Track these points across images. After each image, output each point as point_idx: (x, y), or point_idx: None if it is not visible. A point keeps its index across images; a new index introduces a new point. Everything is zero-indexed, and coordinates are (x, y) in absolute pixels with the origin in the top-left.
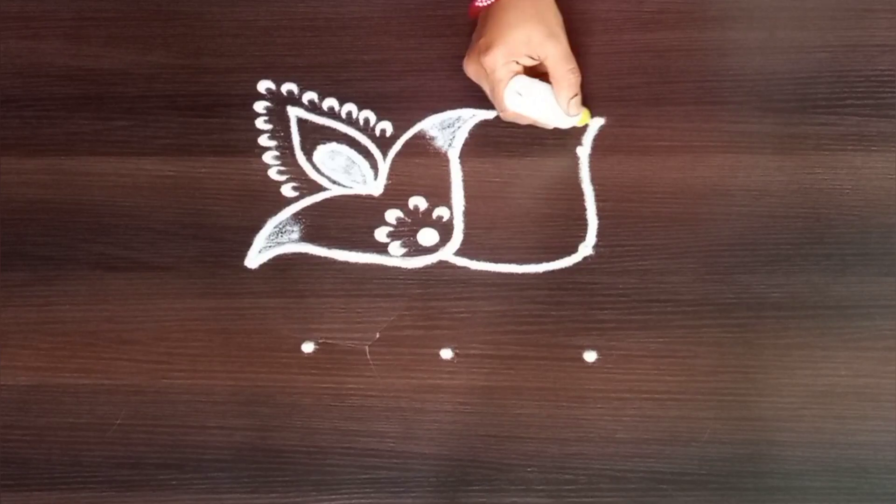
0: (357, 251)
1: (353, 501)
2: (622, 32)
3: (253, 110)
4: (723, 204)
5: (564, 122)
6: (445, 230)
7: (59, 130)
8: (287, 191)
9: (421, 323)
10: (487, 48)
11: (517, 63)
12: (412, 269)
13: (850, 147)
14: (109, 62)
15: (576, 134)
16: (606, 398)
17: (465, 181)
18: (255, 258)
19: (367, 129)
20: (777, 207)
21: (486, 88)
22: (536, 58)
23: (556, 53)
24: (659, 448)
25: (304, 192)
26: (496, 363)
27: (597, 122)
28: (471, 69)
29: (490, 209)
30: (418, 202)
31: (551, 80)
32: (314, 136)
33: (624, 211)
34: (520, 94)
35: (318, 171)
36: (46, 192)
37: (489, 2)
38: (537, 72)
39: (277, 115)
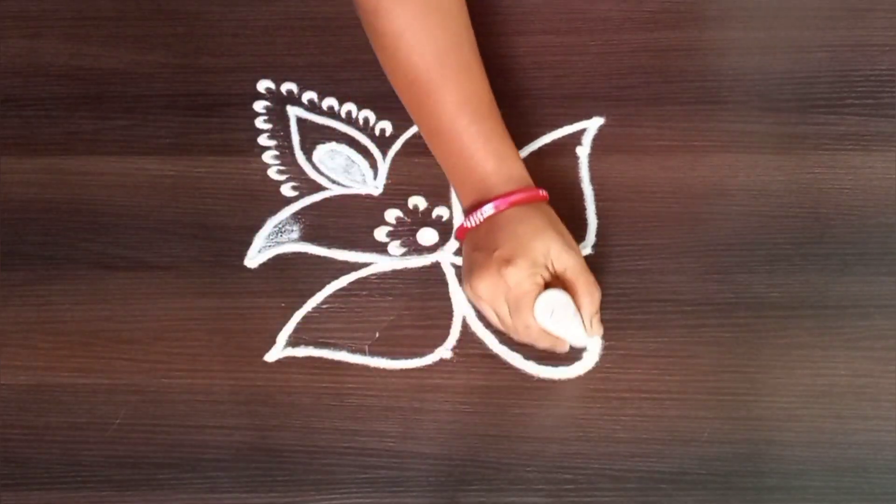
0: (357, 251)
1: (353, 501)
2: (622, 32)
3: (252, 110)
4: (722, 204)
5: (585, 342)
6: (445, 230)
7: (59, 130)
8: (286, 190)
9: (421, 323)
10: (509, 260)
11: (541, 276)
12: (412, 269)
13: (849, 147)
14: (109, 62)
15: (576, 134)
16: (606, 398)
17: None
18: (254, 258)
19: (366, 128)
20: (777, 207)
21: (501, 308)
22: (555, 270)
23: (579, 264)
24: (658, 448)
25: (304, 191)
26: (496, 363)
27: (597, 122)
28: (484, 287)
29: None
30: (418, 202)
31: (574, 293)
32: (314, 136)
33: (623, 211)
34: (552, 311)
35: (317, 170)
36: (46, 192)
37: (481, 218)
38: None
39: (277, 115)
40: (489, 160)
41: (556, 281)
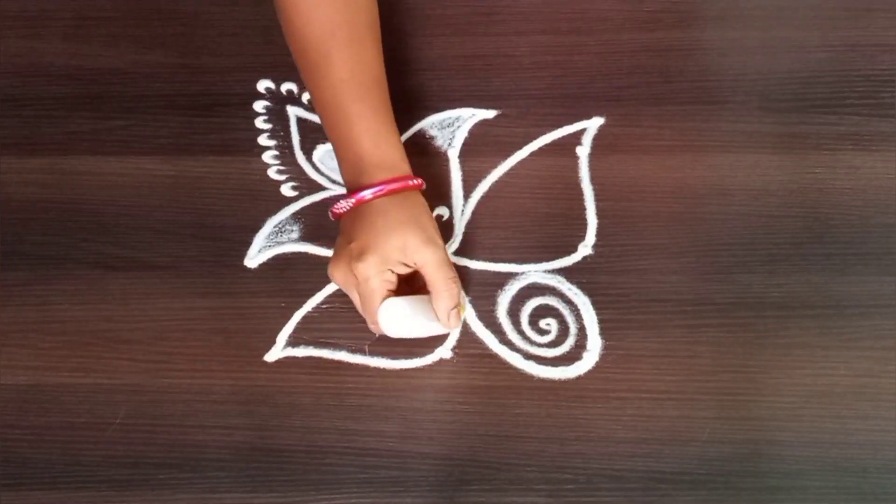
0: None
1: (353, 501)
2: (622, 32)
3: (252, 110)
4: (722, 204)
5: (441, 331)
6: (445, 230)
7: (59, 130)
8: (286, 190)
9: None
10: (360, 254)
11: (392, 272)
12: None
13: (849, 147)
14: (109, 62)
15: (576, 134)
16: (606, 398)
17: (464, 181)
18: (254, 258)
19: None
20: (777, 207)
21: (355, 297)
22: (412, 265)
23: (436, 260)
24: (658, 448)
25: (304, 191)
26: (496, 363)
27: (597, 122)
28: (338, 275)
29: (490, 209)
30: None
31: (430, 288)
32: (314, 136)
33: (623, 210)
34: (393, 318)
35: (317, 170)
36: (46, 192)
37: (348, 206)
38: (412, 282)
39: (277, 115)
40: (364, 139)
41: (417, 274)
